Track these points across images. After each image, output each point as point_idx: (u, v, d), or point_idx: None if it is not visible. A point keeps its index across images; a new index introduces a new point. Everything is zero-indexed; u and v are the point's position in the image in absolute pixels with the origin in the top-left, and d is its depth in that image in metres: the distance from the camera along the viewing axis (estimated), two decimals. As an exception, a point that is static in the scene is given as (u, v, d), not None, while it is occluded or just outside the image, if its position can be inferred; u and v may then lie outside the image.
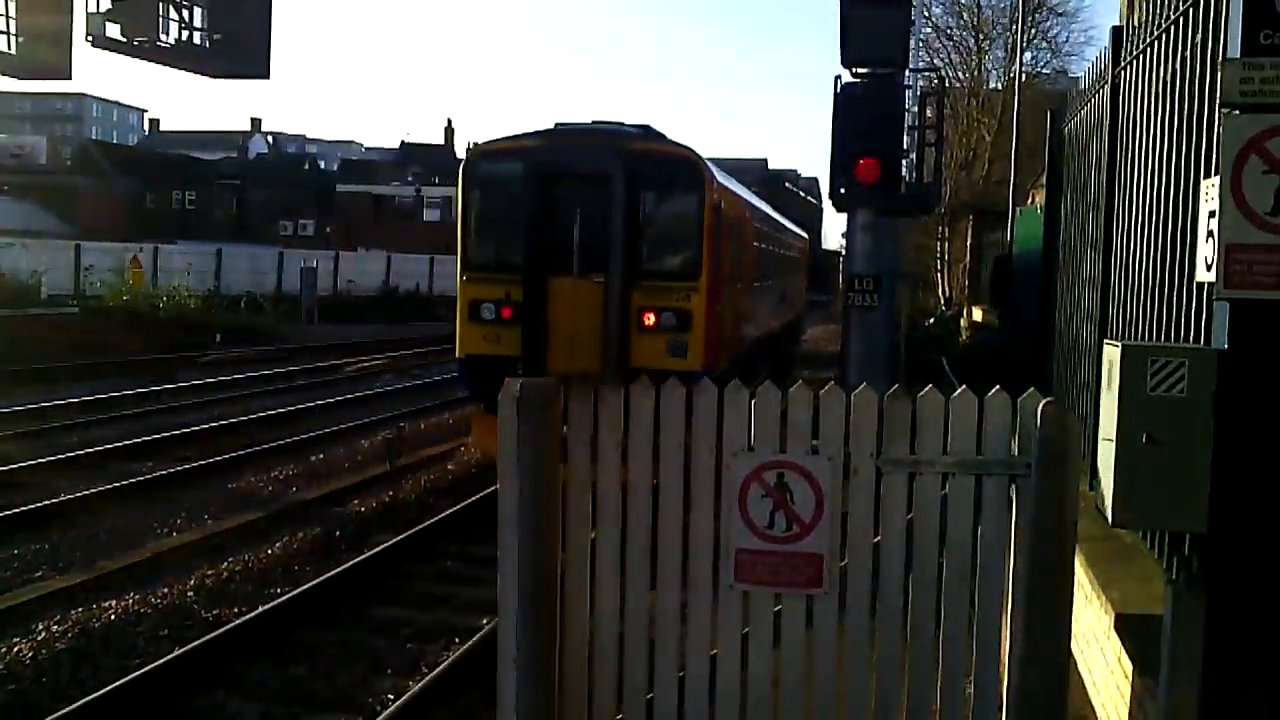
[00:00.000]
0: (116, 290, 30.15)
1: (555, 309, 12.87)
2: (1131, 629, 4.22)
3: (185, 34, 18.30)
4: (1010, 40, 52.64)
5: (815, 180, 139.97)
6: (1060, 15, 46.26)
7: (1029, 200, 41.06)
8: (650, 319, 12.62)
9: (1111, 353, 3.73)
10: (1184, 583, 3.68)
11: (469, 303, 13.56)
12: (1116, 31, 6.22)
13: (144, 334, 27.23)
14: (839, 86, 13.47)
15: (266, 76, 19.31)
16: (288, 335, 33.96)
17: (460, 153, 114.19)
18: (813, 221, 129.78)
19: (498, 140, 14.13)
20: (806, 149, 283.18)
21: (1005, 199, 40.20)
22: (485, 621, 9.14)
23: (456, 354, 14.01)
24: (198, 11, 18.40)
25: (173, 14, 18.21)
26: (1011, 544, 4.24)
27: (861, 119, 13.20)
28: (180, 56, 18.21)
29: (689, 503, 4.37)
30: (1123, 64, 6.07)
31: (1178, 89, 4.68)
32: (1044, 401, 4.11)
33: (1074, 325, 7.57)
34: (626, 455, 4.39)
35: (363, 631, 9.02)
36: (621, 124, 14.27)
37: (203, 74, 19.04)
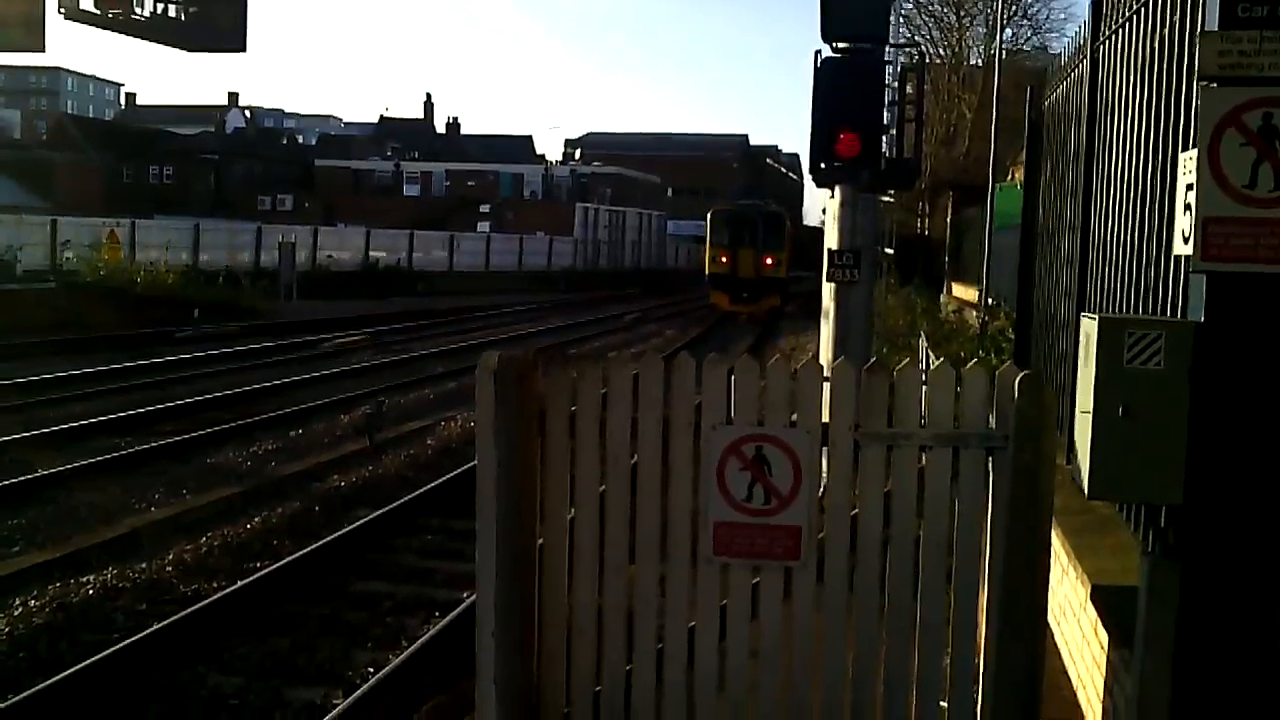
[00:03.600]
0: (93, 265, 29.91)
1: (740, 261, 42.85)
2: (1108, 601, 4.25)
3: (160, 7, 18.13)
4: (991, 17, 52.77)
5: (796, 156, 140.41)
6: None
7: (1009, 177, 41.19)
8: (769, 261, 43.19)
9: (1089, 325, 3.74)
10: (1159, 554, 3.71)
11: (713, 257, 43.99)
12: (1096, 4, 6.21)
13: (121, 309, 27.04)
14: (819, 61, 13.39)
15: (243, 50, 19.13)
16: (266, 311, 33.76)
17: (440, 127, 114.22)
18: (794, 198, 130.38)
19: (722, 205, 46.71)
20: (787, 125, 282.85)
21: (985, 176, 40.38)
22: (466, 595, 9.15)
23: (706, 272, 45.12)
24: (173, -16, 18.20)
25: (147, -15, 17.99)
26: (988, 516, 4.27)
27: (842, 94, 13.12)
28: (155, 29, 18.03)
29: (668, 477, 4.38)
30: (1102, 37, 6.07)
31: (1156, 62, 4.68)
32: (1020, 374, 4.13)
33: (1052, 300, 7.60)
34: (605, 429, 4.39)
35: (343, 605, 9.02)
36: (760, 202, 47.59)
37: (178, 48, 18.86)
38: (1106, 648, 4.41)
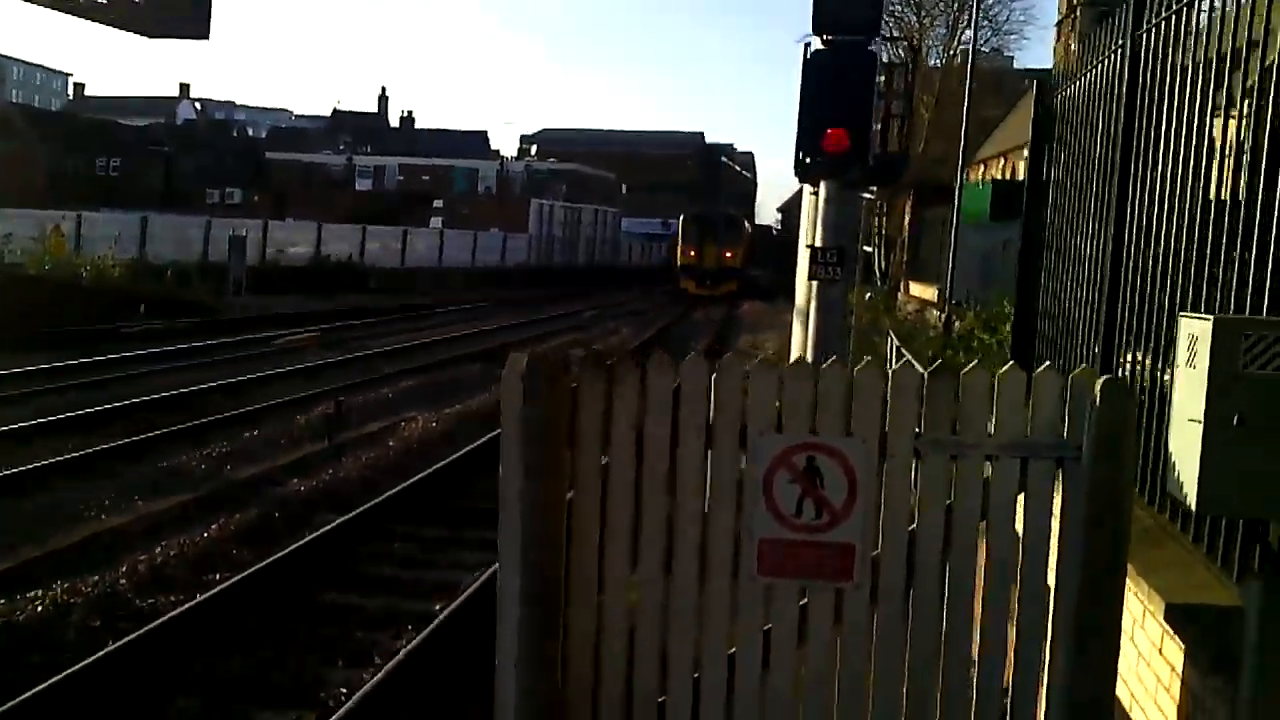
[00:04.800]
0: (38, 259, 28.88)
1: (705, 254, 55.71)
2: (1188, 622, 3.88)
3: (120, -10, 17.38)
4: (951, 17, 52.92)
5: (750, 155, 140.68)
6: (1002, -6, 46.51)
7: (966, 177, 41.25)
8: (729, 254, 56.28)
9: (1195, 327, 3.36)
10: (1272, 575, 3.34)
11: (683, 252, 57.05)
12: (1138, -8, 5.85)
13: (66, 304, 26.09)
14: (808, 54, 13.02)
15: (206, 37, 18.34)
16: (215, 306, 32.88)
17: (394, 121, 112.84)
18: (748, 196, 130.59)
19: (691, 209, 62.30)
20: (743, 123, 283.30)
21: (942, 176, 40.40)
22: (439, 607, 8.71)
23: (678, 264, 57.96)
24: (131, -35, 17.47)
25: (101, -35, 17.28)
26: (1053, 533, 3.88)
27: (831, 88, 12.74)
28: (113, 13, 17.24)
29: (709, 488, 3.95)
30: (1147, 25, 5.71)
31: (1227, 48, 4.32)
32: (1102, 379, 3.74)
33: (1067, 301, 7.25)
34: (641, 436, 3.95)
35: (311, 619, 8.51)
36: (721, 207, 68.00)
37: (137, 33, 18.09)
38: (1181, 672, 4.03)
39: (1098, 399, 3.70)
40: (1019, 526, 3.89)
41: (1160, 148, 5.32)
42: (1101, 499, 3.78)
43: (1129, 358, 5.56)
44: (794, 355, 13.22)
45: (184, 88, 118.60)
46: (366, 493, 11.95)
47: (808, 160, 12.72)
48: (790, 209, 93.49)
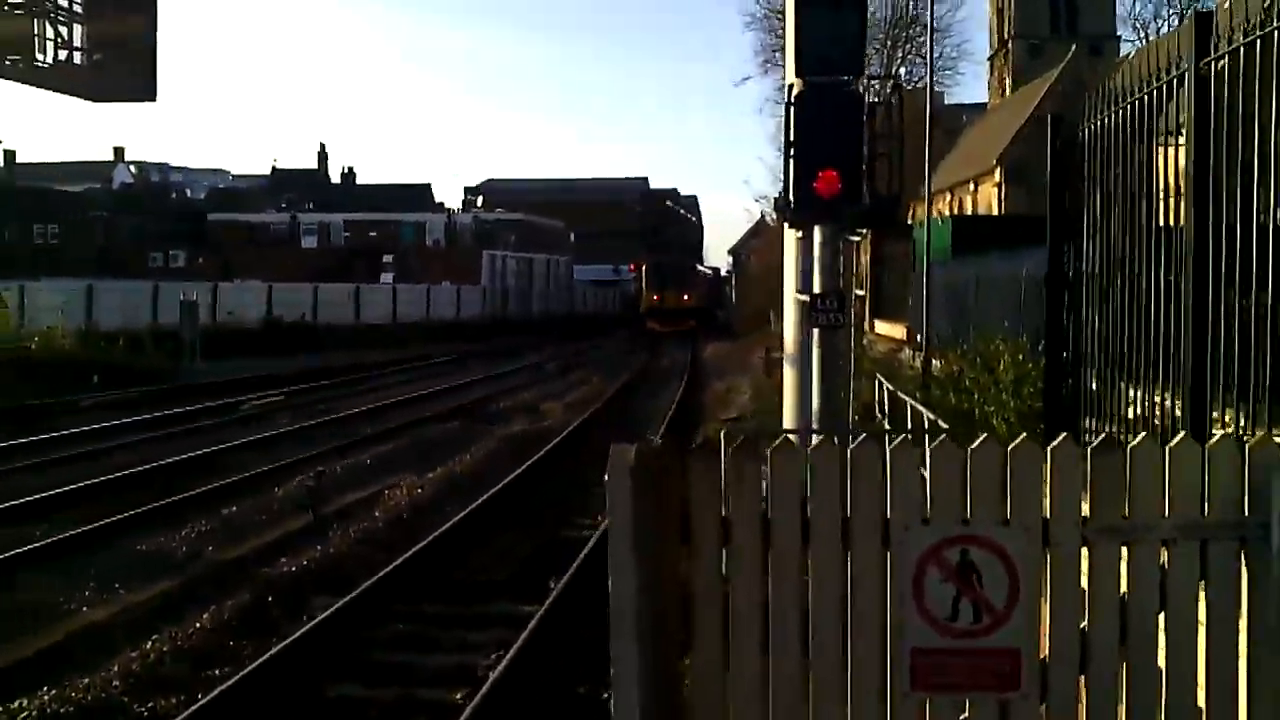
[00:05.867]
0: (-17, 333, 28.00)
1: (666, 298, 66.00)
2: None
3: (64, 54, 16.83)
4: (885, 54, 53.35)
5: (694, 198, 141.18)
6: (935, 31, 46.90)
7: (913, 213, 41.30)
8: (685, 298, 66.96)
9: None
10: None
11: (648, 296, 67.40)
12: (1203, 19, 5.55)
13: (17, 378, 25.18)
14: (791, 96, 12.70)
15: (153, 99, 17.88)
16: (171, 373, 32.03)
17: (335, 177, 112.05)
18: (694, 240, 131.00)
19: (652, 260, 73.12)
20: (685, 166, 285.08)
21: (894, 213, 40.37)
22: (459, 695, 8.14)
23: (641, 309, 69.14)
24: (78, 30, 16.92)
25: (49, 32, 16.72)
26: (1242, 625, 3.46)
27: (819, 131, 12.42)
28: (58, 78, 16.72)
29: (850, 593, 3.48)
30: (1217, 53, 5.41)
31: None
32: (1291, 449, 3.33)
33: (1121, 349, 6.87)
34: (768, 534, 3.47)
35: (322, 717, 7.90)
36: (679, 259, 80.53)
37: (83, 98, 17.53)
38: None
39: (1290, 472, 3.30)
40: (1201, 617, 3.46)
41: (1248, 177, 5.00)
42: (1292, 582, 3.37)
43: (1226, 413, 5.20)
44: (787, 402, 12.85)
45: (119, 151, 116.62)
46: (361, 570, 11.32)
47: (800, 205, 12.38)
48: (739, 252, 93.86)
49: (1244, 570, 3.46)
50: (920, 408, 14.30)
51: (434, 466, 17.27)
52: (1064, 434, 3.50)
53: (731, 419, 23.01)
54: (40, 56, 16.30)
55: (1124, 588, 3.50)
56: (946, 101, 62.46)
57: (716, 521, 3.48)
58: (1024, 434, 3.66)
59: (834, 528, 3.46)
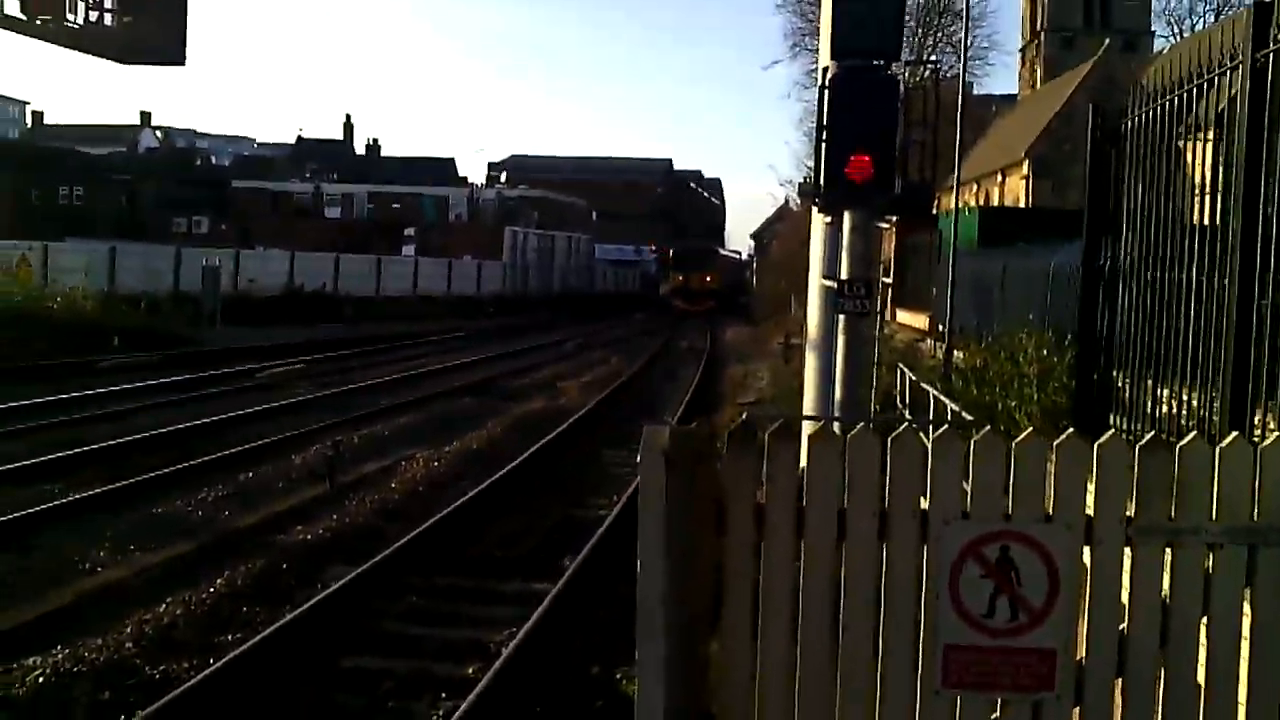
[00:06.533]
0: (6, 291, 28.00)
1: (690, 279, 71.90)
2: None
3: (94, 15, 16.74)
4: (916, 41, 52.91)
5: (718, 181, 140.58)
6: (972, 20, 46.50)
7: (940, 203, 41.02)
8: (708, 279, 72.30)
9: None
10: None
11: (673, 278, 74.09)
12: (1263, 8, 5.40)
13: (37, 338, 25.24)
14: (825, 79, 12.52)
15: (182, 63, 17.77)
16: (190, 338, 32.07)
17: (360, 149, 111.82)
18: (716, 223, 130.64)
19: (683, 243, 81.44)
20: (710, 147, 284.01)
21: (927, 202, 40.17)
22: (471, 670, 8.08)
23: (664, 290, 76.94)
24: (108, -9, 16.84)
25: (80, -8, 16.64)
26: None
27: (852, 114, 12.23)
28: (89, 40, 16.64)
29: (884, 586, 3.38)
30: (1277, 44, 5.25)
31: None
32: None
33: (1158, 346, 6.74)
34: (803, 524, 3.38)
35: (336, 686, 7.87)
36: (706, 244, 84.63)
37: (113, 60, 17.45)
38: None
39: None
40: (1246, 625, 3.35)
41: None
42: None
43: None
44: (808, 389, 12.73)
45: (145, 116, 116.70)
46: (376, 541, 11.29)
47: (832, 189, 12.23)
48: (762, 236, 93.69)
49: (1292, 578, 3.35)
50: (943, 398, 14.16)
51: (450, 440, 17.22)
52: (1110, 430, 3.39)
53: (750, 402, 22.92)
54: (71, 16, 16.21)
55: (1166, 591, 3.39)
56: (976, 92, 61.94)
57: (751, 510, 3.38)
58: (1062, 430, 3.55)
59: (871, 519, 3.36)
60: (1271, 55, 5.32)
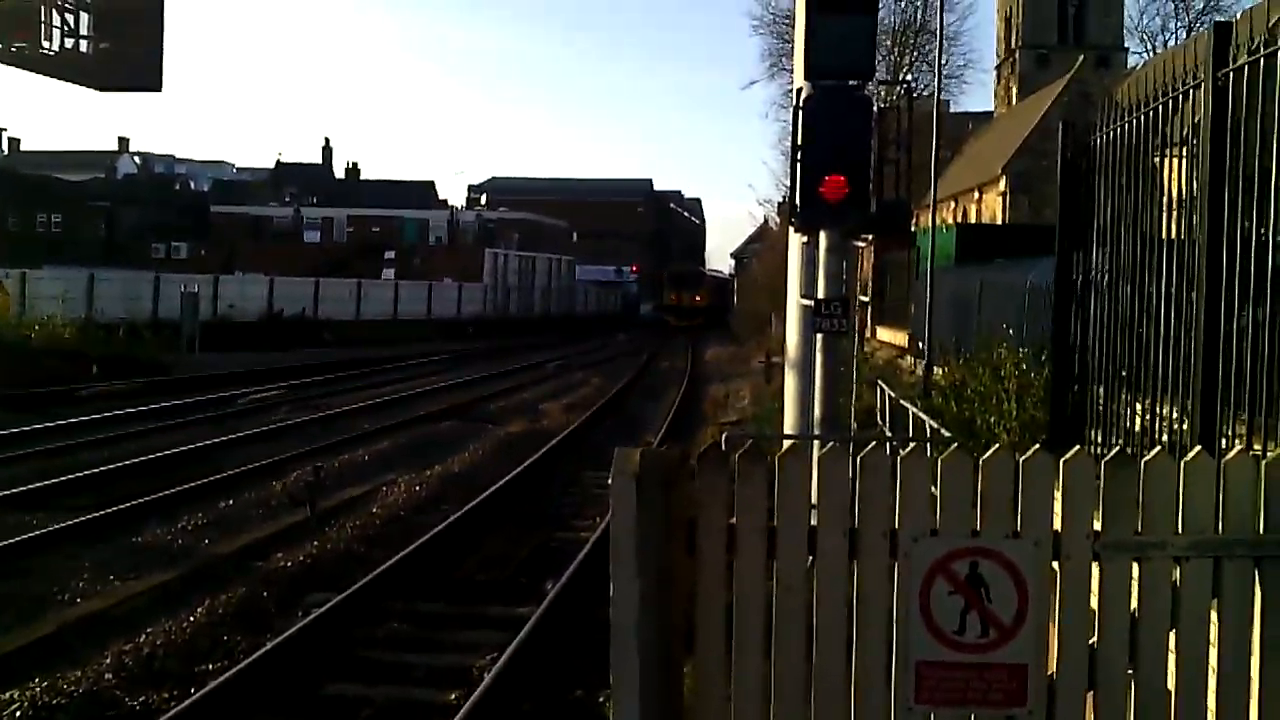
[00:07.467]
0: (-16, 319, 27.92)
1: (682, 298, 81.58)
2: None
3: (70, 42, 16.75)
4: (893, 60, 53.28)
5: (698, 201, 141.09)
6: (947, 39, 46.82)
7: (917, 220, 41.26)
8: (697, 299, 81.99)
9: None
10: None
11: (666, 296, 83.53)
12: (1223, 28, 5.49)
13: (16, 366, 25.11)
14: (800, 100, 12.61)
15: (158, 89, 17.79)
16: (170, 364, 31.94)
17: (339, 172, 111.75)
18: (697, 243, 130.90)
19: (675, 266, 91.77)
20: (690, 167, 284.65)
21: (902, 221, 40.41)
22: (453, 696, 8.06)
23: (660, 305, 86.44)
24: (84, 18, 16.85)
25: (56, 19, 16.65)
26: (1254, 648, 3.39)
27: (827, 134, 12.33)
28: (65, 67, 16.64)
29: (855, 603, 3.41)
30: (1235, 64, 5.34)
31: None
32: (1311, 466, 3.27)
33: (1130, 360, 6.81)
34: (774, 544, 3.41)
35: (317, 715, 7.83)
36: (695, 266, 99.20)
37: (90, 86, 17.46)
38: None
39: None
40: (1213, 637, 3.39)
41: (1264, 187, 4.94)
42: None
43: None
44: (788, 408, 12.77)
45: (123, 141, 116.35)
46: (357, 567, 11.26)
47: (805, 208, 12.30)
48: (742, 255, 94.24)
49: (1258, 589, 3.39)
50: (922, 415, 14.22)
51: (432, 464, 17.20)
52: (1077, 446, 3.44)
53: (731, 422, 22.94)
54: (46, 44, 16.21)
55: (1134, 604, 3.43)
56: (953, 110, 62.38)
57: (722, 530, 3.41)
58: (1035, 445, 3.59)
59: (841, 538, 3.39)
60: (1232, 74, 5.41)
